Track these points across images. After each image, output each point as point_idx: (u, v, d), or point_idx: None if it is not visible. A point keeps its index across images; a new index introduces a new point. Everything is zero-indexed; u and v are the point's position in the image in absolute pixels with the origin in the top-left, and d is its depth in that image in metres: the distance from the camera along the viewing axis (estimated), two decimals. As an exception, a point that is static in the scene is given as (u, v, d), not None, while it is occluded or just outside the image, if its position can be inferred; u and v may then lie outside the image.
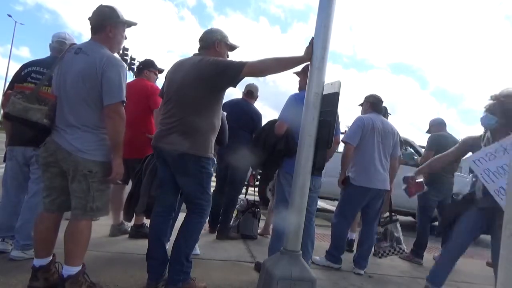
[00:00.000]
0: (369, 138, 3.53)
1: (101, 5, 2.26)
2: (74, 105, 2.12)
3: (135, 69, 3.75)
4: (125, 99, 2.16)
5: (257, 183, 6.46)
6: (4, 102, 2.28)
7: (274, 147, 2.95)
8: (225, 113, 3.62)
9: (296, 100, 2.99)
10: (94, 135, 2.14)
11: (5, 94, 2.32)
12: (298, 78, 3.20)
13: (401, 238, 3.76)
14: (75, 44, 2.33)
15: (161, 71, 3.84)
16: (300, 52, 2.28)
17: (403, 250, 3.78)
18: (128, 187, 3.46)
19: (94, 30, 2.24)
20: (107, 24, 2.21)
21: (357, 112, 4.01)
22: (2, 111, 2.37)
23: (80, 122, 2.11)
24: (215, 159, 3.53)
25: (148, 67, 3.78)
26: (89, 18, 2.25)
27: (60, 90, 2.16)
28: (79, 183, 2.10)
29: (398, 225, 3.79)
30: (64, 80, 2.15)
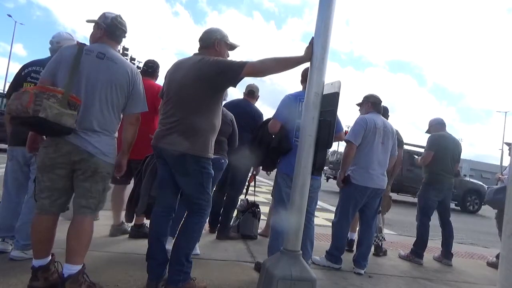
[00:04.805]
0: (371, 138, 3.54)
1: None
2: (100, 111, 2.16)
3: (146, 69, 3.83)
4: None
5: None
6: (20, 102, 1.93)
7: (269, 145, 2.98)
8: (232, 115, 3.63)
9: (290, 99, 3.02)
10: (111, 139, 2.24)
11: (18, 92, 1.99)
12: (297, 77, 3.21)
13: (382, 227, 4.36)
14: (77, 43, 2.28)
15: None
16: (297, 49, 2.30)
17: (383, 238, 4.34)
18: (129, 187, 3.45)
19: (110, 35, 2.30)
20: None
21: (356, 111, 4.01)
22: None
23: (101, 126, 2.17)
24: (226, 160, 3.54)
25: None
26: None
27: (85, 94, 2.13)
28: (96, 183, 2.16)
29: (380, 215, 4.26)
30: (90, 85, 2.15)
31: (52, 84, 2.12)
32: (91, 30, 2.35)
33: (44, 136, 2.22)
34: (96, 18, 2.33)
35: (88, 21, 2.34)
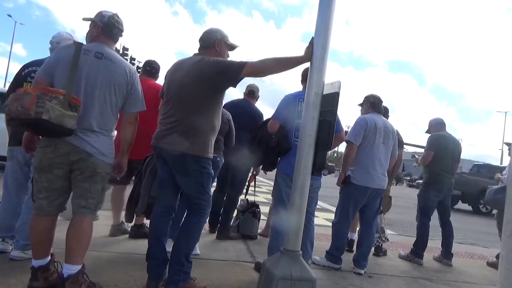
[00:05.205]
0: (371, 138, 3.54)
1: None
2: (99, 111, 2.16)
3: (145, 70, 3.85)
4: None
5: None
6: (21, 104, 1.91)
7: (268, 145, 2.98)
8: (229, 114, 3.63)
9: (289, 99, 3.02)
10: (109, 139, 2.25)
11: (17, 92, 1.99)
12: (297, 77, 3.21)
13: (384, 228, 4.33)
14: (74, 42, 2.27)
15: None
16: (297, 49, 2.29)
17: (386, 238, 4.33)
18: (129, 187, 3.45)
19: (107, 35, 2.29)
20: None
21: (356, 111, 4.02)
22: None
23: (100, 126, 2.17)
24: (222, 159, 3.54)
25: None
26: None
27: (84, 95, 2.12)
28: (95, 183, 2.15)
29: (382, 216, 4.27)
30: (90, 85, 2.14)
31: (48, 84, 2.11)
32: (88, 28, 2.34)
33: (40, 136, 2.20)
34: (92, 16, 2.33)
35: (84, 19, 2.33)
